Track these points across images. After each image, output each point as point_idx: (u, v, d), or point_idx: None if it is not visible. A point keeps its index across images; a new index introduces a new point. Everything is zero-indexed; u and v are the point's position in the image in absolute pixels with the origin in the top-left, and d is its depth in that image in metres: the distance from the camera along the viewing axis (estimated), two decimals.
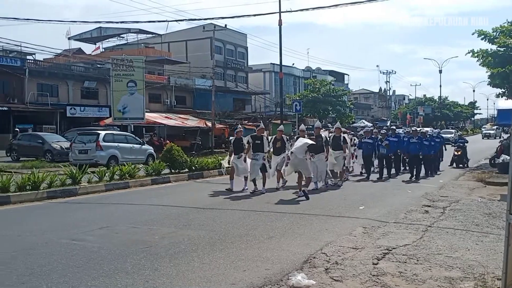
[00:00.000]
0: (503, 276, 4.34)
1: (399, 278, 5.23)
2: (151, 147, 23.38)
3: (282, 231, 7.62)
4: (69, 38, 52.51)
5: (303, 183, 11.55)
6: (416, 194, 12.25)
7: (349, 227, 7.95)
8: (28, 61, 39.00)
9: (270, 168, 12.99)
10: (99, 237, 7.28)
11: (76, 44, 55.72)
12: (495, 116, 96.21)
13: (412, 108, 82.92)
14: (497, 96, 23.08)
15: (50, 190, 11.64)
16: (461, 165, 20.67)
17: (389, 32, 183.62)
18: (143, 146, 22.35)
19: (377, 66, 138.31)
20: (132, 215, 9.34)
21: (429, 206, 10.10)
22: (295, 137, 13.06)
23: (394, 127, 20.43)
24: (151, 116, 34.76)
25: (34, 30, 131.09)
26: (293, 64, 68.68)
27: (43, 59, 42.96)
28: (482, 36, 20.40)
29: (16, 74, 34.41)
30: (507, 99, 19.87)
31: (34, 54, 42.63)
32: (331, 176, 13.99)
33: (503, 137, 30.83)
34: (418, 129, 19.78)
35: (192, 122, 38.01)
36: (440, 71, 68.32)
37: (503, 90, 21.69)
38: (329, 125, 17.56)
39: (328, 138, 13.59)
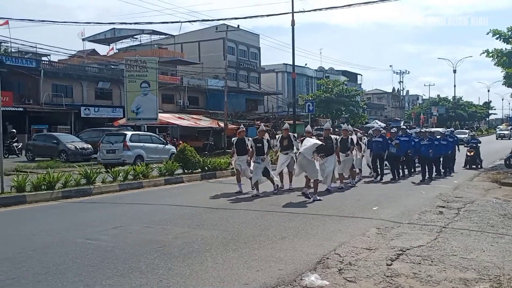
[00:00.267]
0: None
1: (413, 279, 5.20)
2: (173, 147, 23.66)
3: (295, 231, 7.62)
4: (83, 39, 53.00)
5: (311, 185, 11.38)
6: (430, 195, 12.15)
7: (363, 227, 7.91)
8: (43, 62, 39.44)
9: (276, 168, 12.81)
10: (113, 236, 7.34)
11: (90, 45, 56.27)
12: (510, 116, 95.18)
13: (426, 108, 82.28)
14: None
15: (65, 190, 11.77)
16: (474, 166, 20.36)
17: (403, 32, 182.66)
18: (166, 146, 22.78)
19: (390, 66, 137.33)
20: (145, 215, 9.40)
21: (444, 207, 10.02)
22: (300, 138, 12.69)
23: (404, 127, 20.10)
24: (164, 117, 34.95)
25: (49, 31, 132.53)
26: (306, 64, 68.64)
27: (58, 60, 43.50)
28: (497, 36, 20.20)
29: (32, 75, 34.81)
30: None
31: (49, 55, 43.09)
32: (336, 179, 13.45)
33: None
34: (426, 130, 19.19)
35: (204, 122, 38.16)
36: (454, 71, 67.86)
37: None
38: (343, 125, 17.16)
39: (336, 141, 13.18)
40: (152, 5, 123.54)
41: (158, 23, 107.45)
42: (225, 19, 58.62)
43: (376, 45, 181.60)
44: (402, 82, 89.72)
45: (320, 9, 35.63)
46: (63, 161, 23.16)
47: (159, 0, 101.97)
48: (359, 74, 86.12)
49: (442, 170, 17.31)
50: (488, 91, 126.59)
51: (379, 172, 15.64)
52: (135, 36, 56.11)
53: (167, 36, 55.04)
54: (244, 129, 13.48)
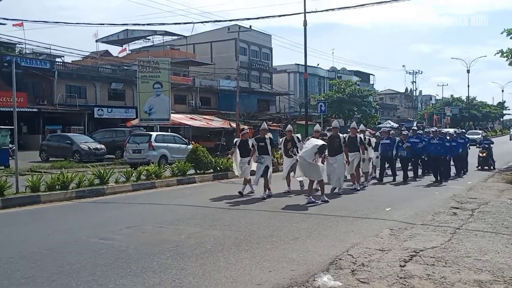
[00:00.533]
0: None
1: (427, 280, 5.17)
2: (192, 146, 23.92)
3: (308, 232, 7.60)
4: (96, 41, 53.48)
5: (317, 187, 11.20)
6: (444, 195, 12.05)
7: (376, 228, 7.87)
8: (57, 63, 39.87)
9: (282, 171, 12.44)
10: (126, 236, 7.40)
11: (103, 46, 56.73)
12: None
13: (439, 109, 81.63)
14: None
15: (79, 190, 11.87)
16: (486, 167, 19.98)
17: (416, 32, 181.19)
18: (188, 146, 22.95)
19: (403, 66, 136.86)
20: (158, 215, 9.46)
21: (457, 208, 9.93)
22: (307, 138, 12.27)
23: (415, 128, 19.77)
24: (176, 117, 35.09)
25: (63, 33, 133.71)
26: (318, 64, 68.46)
27: (72, 61, 43.87)
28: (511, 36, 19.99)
29: (46, 76, 35.22)
30: None
31: (63, 56, 43.51)
32: (341, 184, 12.59)
33: None
34: (438, 129, 18.60)
35: (216, 123, 38.22)
36: (468, 71, 67.29)
37: None
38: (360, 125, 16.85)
39: (343, 140, 12.80)
40: (164, 6, 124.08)
41: (171, 24, 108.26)
42: (237, 19, 58.91)
43: (388, 45, 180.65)
44: (415, 82, 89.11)
45: (332, 9, 35.55)
46: (76, 161, 23.35)
47: (171, 1, 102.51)
48: (372, 74, 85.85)
49: (454, 172, 17.01)
50: (502, 91, 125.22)
51: (392, 174, 15.44)
52: (147, 37, 56.49)
53: (179, 37, 55.32)
54: (247, 131, 13.10)
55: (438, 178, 15.07)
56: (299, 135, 13.58)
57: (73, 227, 8.18)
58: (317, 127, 12.74)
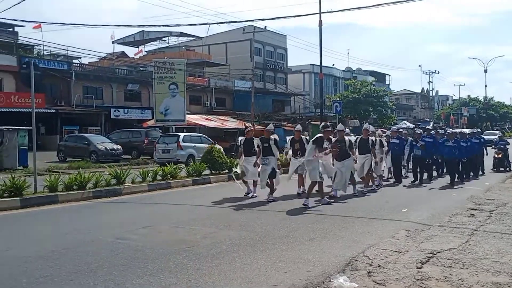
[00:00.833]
0: None
1: (444, 282, 5.12)
2: (220, 147, 24.03)
3: (323, 233, 7.58)
4: (113, 42, 54.00)
5: (325, 190, 10.97)
6: (461, 197, 11.92)
7: (392, 230, 7.82)
8: (75, 64, 40.33)
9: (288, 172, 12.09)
10: (142, 236, 7.45)
11: (119, 48, 57.27)
12: None
13: (456, 109, 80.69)
14: None
15: (96, 190, 11.99)
16: (502, 169, 19.55)
17: (432, 32, 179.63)
18: (214, 146, 23.24)
19: (419, 66, 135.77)
20: (174, 215, 9.52)
21: (475, 209, 9.81)
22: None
23: (429, 127, 19.43)
24: (191, 118, 35.29)
25: (80, 34, 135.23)
26: (333, 64, 68.18)
27: (89, 62, 44.39)
28: None
29: (63, 77, 35.62)
30: None
31: (80, 57, 44.13)
32: (357, 182, 12.45)
33: None
34: (453, 130, 18.04)
35: (231, 123, 38.35)
36: (486, 71, 66.49)
37: None
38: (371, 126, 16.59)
39: (354, 142, 12.58)
40: (180, 7, 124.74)
41: (186, 25, 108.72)
42: (252, 20, 58.90)
43: (404, 45, 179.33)
44: (432, 82, 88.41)
45: (348, 9, 35.27)
46: (93, 161, 23.61)
47: (187, 2, 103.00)
48: (387, 74, 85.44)
49: (472, 174, 16.55)
50: None
51: (396, 175, 15.11)
52: (163, 38, 56.85)
53: (194, 38, 55.55)
54: (252, 128, 12.63)
55: (454, 180, 14.74)
56: (307, 137, 13.02)
57: (90, 226, 8.28)
58: (326, 124, 12.16)
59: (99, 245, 6.80)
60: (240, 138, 12.72)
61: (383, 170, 14.89)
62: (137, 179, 13.57)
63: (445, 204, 10.73)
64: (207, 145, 22.98)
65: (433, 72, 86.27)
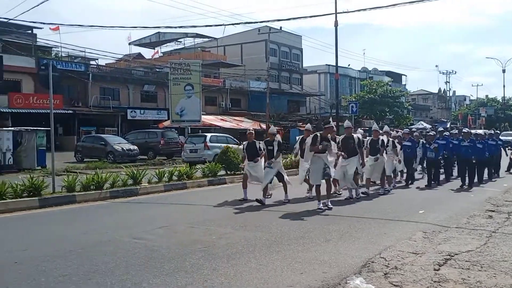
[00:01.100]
0: None
1: (462, 285, 5.06)
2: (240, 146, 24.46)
3: (339, 234, 7.55)
4: (129, 43, 54.46)
5: (332, 190, 10.71)
6: (479, 198, 11.77)
7: (409, 231, 7.75)
8: (92, 66, 40.75)
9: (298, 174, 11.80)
10: (159, 236, 7.50)
11: (136, 49, 57.76)
12: None
13: (473, 109, 79.70)
14: None
15: (113, 190, 12.10)
16: None
17: (449, 31, 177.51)
18: (240, 146, 23.37)
19: (436, 66, 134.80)
20: (190, 215, 9.56)
21: (493, 211, 9.68)
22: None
23: (442, 129, 19.09)
24: (207, 119, 35.43)
25: (97, 36, 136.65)
26: (348, 65, 67.87)
27: (105, 64, 44.80)
28: None
29: (81, 79, 36.06)
30: None
31: (97, 59, 44.53)
32: (355, 186, 11.72)
33: None
34: (469, 131, 17.49)
35: (247, 124, 38.39)
36: (504, 71, 65.64)
37: None
38: (386, 126, 16.43)
39: (363, 140, 12.21)
40: (196, 8, 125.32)
41: (202, 26, 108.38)
42: (268, 21, 59.02)
43: (421, 45, 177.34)
44: (449, 82, 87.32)
45: (364, 9, 35.08)
46: (110, 162, 23.83)
47: (202, 3, 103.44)
48: (404, 75, 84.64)
49: (486, 176, 15.96)
50: None
51: (407, 178, 14.82)
52: (179, 40, 57.13)
53: (210, 39, 55.74)
54: (252, 131, 12.12)
55: (467, 182, 14.30)
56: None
57: (107, 226, 8.36)
58: (330, 121, 11.38)
59: (116, 245, 6.86)
60: (243, 142, 12.24)
61: (398, 172, 14.76)
62: (153, 179, 13.67)
63: (463, 206, 10.60)
64: (233, 145, 23.29)
65: (450, 72, 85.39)
